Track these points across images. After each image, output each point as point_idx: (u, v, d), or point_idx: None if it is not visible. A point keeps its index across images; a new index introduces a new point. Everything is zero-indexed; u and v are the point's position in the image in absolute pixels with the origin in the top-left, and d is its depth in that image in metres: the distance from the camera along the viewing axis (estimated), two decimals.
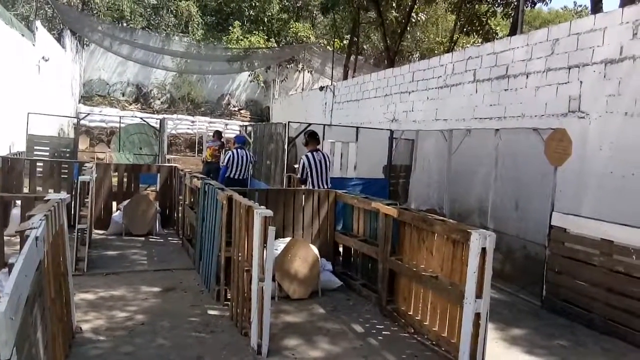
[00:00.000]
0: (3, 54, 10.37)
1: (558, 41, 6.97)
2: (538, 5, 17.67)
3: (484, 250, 3.47)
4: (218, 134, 11.43)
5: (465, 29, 19.27)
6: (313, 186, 6.71)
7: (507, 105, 7.84)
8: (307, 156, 6.86)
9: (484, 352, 3.58)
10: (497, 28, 19.61)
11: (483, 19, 18.43)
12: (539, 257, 5.86)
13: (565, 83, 6.79)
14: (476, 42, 19.82)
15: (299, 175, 7.07)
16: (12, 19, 11.37)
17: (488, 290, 3.53)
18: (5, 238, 4.67)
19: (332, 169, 7.29)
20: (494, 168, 6.77)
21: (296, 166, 7.38)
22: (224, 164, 8.46)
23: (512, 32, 12.86)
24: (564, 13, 31.82)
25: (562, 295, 5.20)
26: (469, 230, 3.62)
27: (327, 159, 6.98)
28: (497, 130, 6.88)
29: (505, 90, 7.90)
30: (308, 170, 6.79)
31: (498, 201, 6.76)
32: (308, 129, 8.96)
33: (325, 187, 6.74)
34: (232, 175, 8.27)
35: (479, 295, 3.48)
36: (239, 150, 8.39)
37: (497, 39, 15.62)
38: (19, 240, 4.25)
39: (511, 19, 16.03)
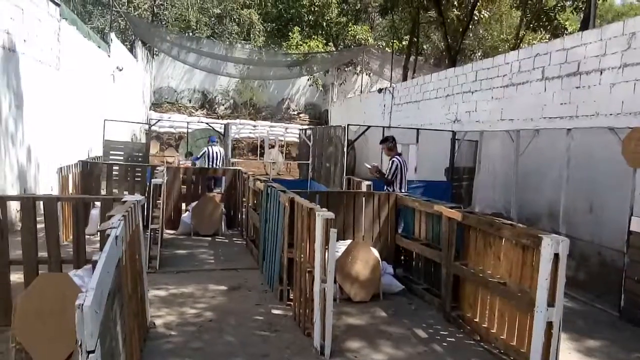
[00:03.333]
0: (82, 66, 11.15)
1: (635, 35, 6.53)
2: None
3: (556, 256, 3.32)
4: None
5: (531, 25, 18.41)
6: (399, 188, 6.85)
7: (579, 103, 7.44)
8: (399, 159, 7.01)
9: None
10: (567, 23, 18.57)
11: (551, 14, 17.55)
12: (616, 264, 5.51)
13: None
14: (544, 38, 18.92)
15: (388, 175, 7.01)
16: (90, 32, 12.20)
17: (561, 298, 3.37)
18: (85, 237, 5.00)
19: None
20: (565, 170, 6.43)
21: (368, 166, 7.56)
22: (198, 157, 10.60)
23: (583, 26, 12.18)
24: (639, 5, 29.59)
25: None
26: (541, 235, 3.47)
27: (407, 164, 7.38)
28: (569, 130, 6.54)
29: (577, 87, 7.50)
30: (399, 172, 6.93)
31: (570, 205, 6.42)
32: (367, 131, 9.03)
33: (403, 190, 6.89)
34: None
35: (551, 303, 3.33)
36: (213, 147, 10.40)
37: (566, 34, 14.83)
38: (98, 239, 4.56)
39: (581, 14, 15.18)
